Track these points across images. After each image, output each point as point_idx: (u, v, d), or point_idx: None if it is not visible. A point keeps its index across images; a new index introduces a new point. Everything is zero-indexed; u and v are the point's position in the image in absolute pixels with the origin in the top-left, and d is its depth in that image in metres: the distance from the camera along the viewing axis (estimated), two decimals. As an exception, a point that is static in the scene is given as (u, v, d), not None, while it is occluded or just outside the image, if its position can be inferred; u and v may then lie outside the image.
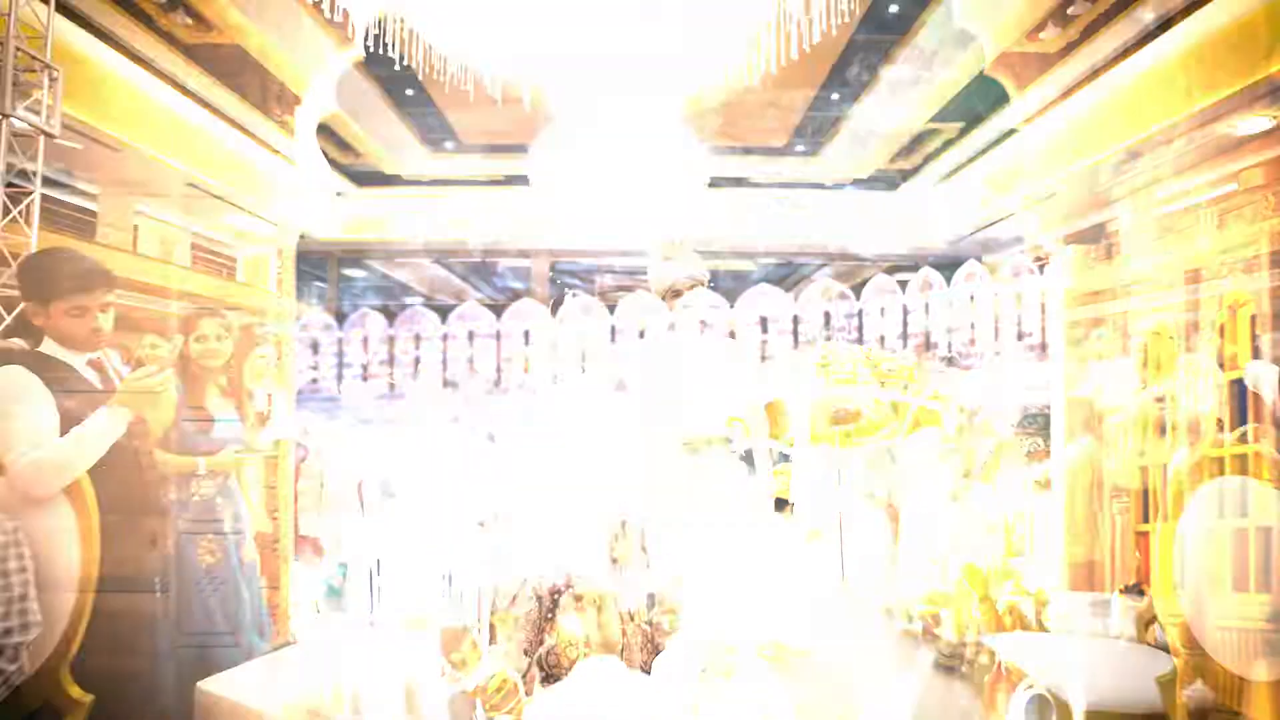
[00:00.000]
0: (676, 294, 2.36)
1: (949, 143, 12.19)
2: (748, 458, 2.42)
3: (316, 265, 14.22)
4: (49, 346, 1.69)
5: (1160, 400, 2.63)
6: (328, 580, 3.01)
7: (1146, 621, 2.08)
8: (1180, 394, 2.61)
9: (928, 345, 3.39)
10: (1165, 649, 1.82)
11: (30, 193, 6.09)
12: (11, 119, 5.33)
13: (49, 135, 5.72)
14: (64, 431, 1.59)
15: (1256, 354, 3.86)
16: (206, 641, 2.02)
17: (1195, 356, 2.68)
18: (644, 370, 2.30)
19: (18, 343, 2.15)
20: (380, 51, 4.80)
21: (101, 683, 1.58)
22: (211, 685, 1.93)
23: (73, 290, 1.67)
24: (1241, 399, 3.73)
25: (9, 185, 6.14)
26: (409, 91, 10.03)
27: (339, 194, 12.57)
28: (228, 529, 2.13)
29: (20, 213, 5.89)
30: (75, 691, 1.52)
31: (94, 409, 1.64)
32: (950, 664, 2.65)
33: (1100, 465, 2.69)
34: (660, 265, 2.38)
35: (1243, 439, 2.28)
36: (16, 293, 5.95)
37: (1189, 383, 2.61)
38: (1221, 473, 1.84)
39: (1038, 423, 2.67)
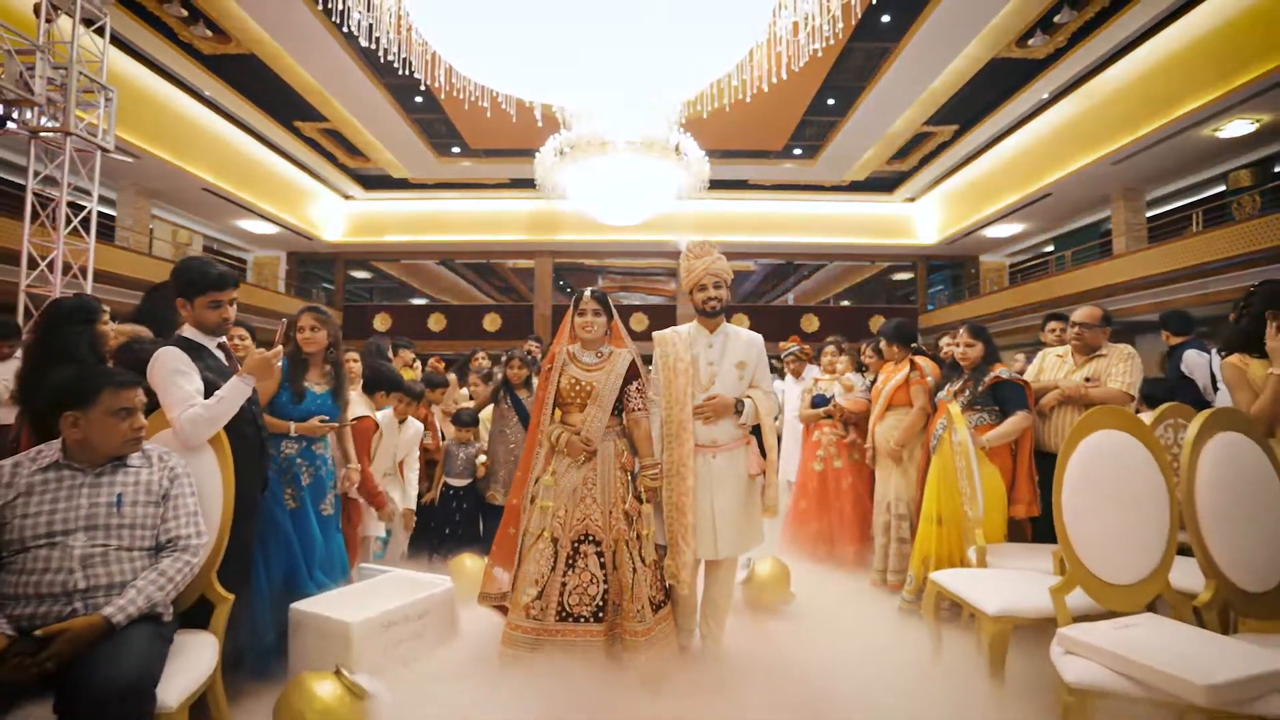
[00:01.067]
0: (702, 289, 2.78)
1: (943, 146, 12.99)
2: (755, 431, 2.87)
3: (323, 266, 14.93)
4: (189, 331, 2.40)
5: (1089, 380, 3.34)
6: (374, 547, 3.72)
7: (1061, 559, 2.78)
8: (1104, 374, 3.32)
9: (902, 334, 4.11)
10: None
11: (60, 201, 6.86)
12: (73, 136, 6.11)
13: (105, 151, 6.49)
14: (207, 396, 2.29)
15: (1196, 344, 4.60)
16: (290, 573, 2.73)
17: (1119, 345, 3.39)
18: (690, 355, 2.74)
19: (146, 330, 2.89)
20: (404, 72, 5.55)
21: (228, 590, 2.27)
22: (302, 605, 2.64)
23: (212, 287, 2.37)
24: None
25: (16, 189, 6.87)
26: (418, 98, 10.79)
27: (347, 197, 13.29)
28: (306, 483, 2.83)
29: (43, 220, 6.68)
30: (222, 591, 2.22)
31: (224, 380, 2.35)
32: (912, 608, 3.36)
33: (1037, 436, 3.39)
34: (689, 263, 2.76)
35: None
36: (71, 292, 6.61)
37: (1110, 364, 3.32)
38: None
39: (984, 400, 3.38)
